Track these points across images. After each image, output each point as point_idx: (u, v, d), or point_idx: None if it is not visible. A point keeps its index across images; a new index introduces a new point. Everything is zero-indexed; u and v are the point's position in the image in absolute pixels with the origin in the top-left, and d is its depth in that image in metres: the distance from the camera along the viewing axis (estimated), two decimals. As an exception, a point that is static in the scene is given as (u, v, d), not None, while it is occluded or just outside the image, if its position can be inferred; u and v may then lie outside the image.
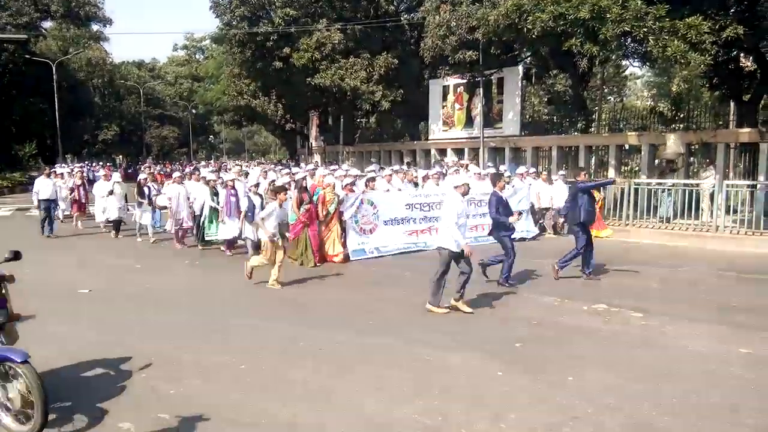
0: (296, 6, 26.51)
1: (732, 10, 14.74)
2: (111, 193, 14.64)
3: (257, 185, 11.93)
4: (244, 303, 8.50)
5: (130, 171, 37.79)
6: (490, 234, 9.45)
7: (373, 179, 12.52)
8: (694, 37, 12.93)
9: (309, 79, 26.25)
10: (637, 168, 19.03)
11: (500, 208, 8.98)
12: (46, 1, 36.93)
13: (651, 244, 13.06)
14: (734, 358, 6.01)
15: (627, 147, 19.46)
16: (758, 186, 14.11)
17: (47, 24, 41.37)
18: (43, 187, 14.79)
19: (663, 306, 7.96)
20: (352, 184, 11.81)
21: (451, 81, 24.65)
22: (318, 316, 7.74)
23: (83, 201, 17.02)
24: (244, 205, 11.14)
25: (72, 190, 16.92)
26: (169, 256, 12.23)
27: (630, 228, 14.25)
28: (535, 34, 14.53)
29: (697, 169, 17.09)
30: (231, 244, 12.13)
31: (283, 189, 9.43)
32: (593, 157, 20.79)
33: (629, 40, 14.72)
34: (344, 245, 11.30)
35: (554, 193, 14.60)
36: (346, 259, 11.22)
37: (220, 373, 5.58)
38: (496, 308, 7.95)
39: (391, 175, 13.77)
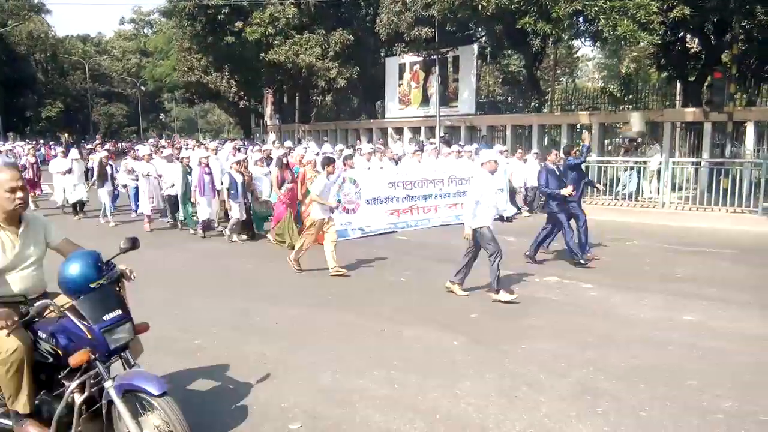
0: (249, -22, 25.80)
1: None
2: (69, 171, 13.90)
3: (240, 162, 11.39)
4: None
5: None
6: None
7: (350, 157, 12.10)
8: (643, 16, 13.20)
9: (263, 54, 25.67)
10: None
11: (550, 180, 8.88)
12: (-20, -32, 34.88)
13: (600, 220, 13.43)
14: (678, 325, 6.26)
15: (579, 126, 19.86)
16: (702, 163, 14.65)
17: (-18, -6, 39.16)
18: None
19: (611, 278, 8.21)
20: (346, 160, 11.38)
21: (408, 59, 24.56)
22: (272, 291, 7.66)
23: (36, 180, 16.24)
24: (224, 182, 10.93)
25: (24, 168, 15.80)
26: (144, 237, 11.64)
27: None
28: (490, 11, 14.60)
29: (644, 148, 17.61)
30: (206, 225, 11.67)
31: (331, 161, 8.82)
32: (546, 137, 21.18)
33: (581, 19, 14.92)
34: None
35: (528, 171, 14.56)
36: None
37: (173, 347, 5.47)
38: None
39: (370, 153, 13.53)
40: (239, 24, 25.58)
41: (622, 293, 7.42)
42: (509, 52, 26.94)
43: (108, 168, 13.34)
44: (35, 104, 46.51)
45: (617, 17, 13.39)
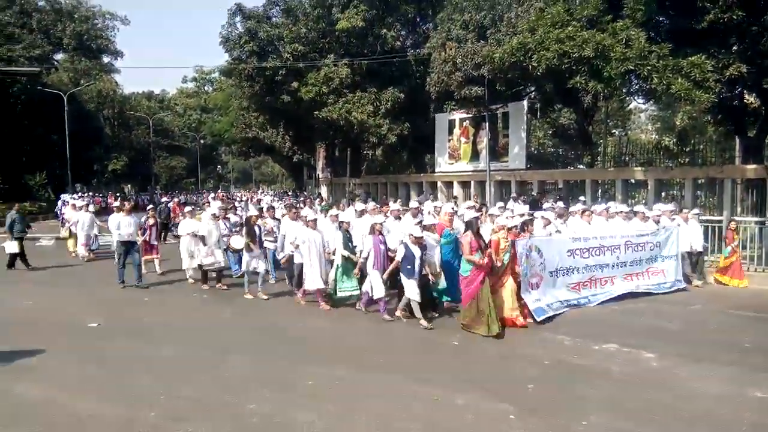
0: (304, 42, 27.00)
1: (735, 49, 14.92)
2: (196, 235, 12.00)
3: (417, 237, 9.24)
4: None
5: (140, 200, 38.03)
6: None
7: (531, 221, 10.39)
8: (697, 75, 13.08)
9: (316, 112, 26.58)
10: (644, 202, 19.06)
11: None
12: (58, 34, 37.74)
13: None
14: (748, 403, 5.96)
15: (633, 181, 19.51)
16: (767, 222, 14.09)
17: (59, 56, 42.21)
18: (124, 225, 12.16)
19: (674, 345, 7.90)
20: (526, 225, 9.87)
21: (457, 115, 24.89)
22: (319, 354, 7.70)
23: (155, 243, 14.30)
24: (399, 254, 9.15)
25: (143, 230, 13.71)
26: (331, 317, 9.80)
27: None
28: (540, 71, 14.73)
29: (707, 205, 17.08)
30: (369, 301, 9.85)
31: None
32: (599, 191, 20.85)
33: (633, 77, 14.89)
34: (523, 303, 9.24)
35: (692, 234, 12.64)
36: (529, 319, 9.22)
37: (221, 413, 5.56)
38: (508, 346, 7.91)
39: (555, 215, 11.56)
40: (295, 84, 26.67)
41: (687, 364, 7.13)
42: (559, 106, 26.96)
43: (256, 228, 11.34)
44: (102, 157, 49.21)
45: (671, 76, 13.32)
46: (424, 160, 31.09)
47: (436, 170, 26.76)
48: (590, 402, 5.99)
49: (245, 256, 10.95)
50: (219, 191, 38.38)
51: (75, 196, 24.46)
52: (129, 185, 63.11)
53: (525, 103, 22.50)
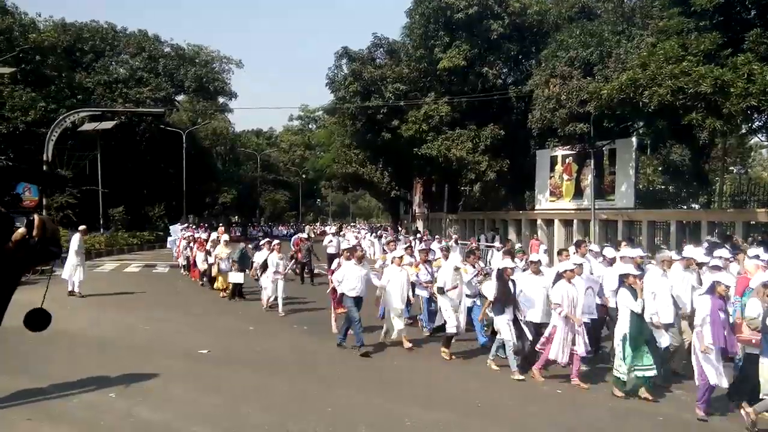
0: (406, 81, 27.69)
1: None
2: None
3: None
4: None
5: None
6: None
7: None
8: (831, 110, 12.04)
9: (416, 149, 26.99)
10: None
11: None
12: (180, 77, 41.09)
13: None
14: None
15: (753, 222, 18.01)
16: None
17: (180, 97, 45.93)
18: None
19: None
20: None
21: (560, 152, 24.31)
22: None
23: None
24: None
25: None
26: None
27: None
28: (652, 108, 14.16)
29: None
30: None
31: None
32: (715, 233, 19.41)
33: (756, 113, 13.94)
34: None
35: None
36: None
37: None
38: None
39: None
40: (396, 122, 27.34)
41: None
42: (671, 142, 25.66)
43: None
44: (214, 190, 52.55)
45: (800, 112, 12.34)
46: (522, 197, 30.53)
47: (536, 207, 26.18)
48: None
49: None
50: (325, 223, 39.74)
51: (180, 226, 25.89)
52: (236, 216, 66.72)
53: (634, 139, 21.63)
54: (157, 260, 25.15)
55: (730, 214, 18.71)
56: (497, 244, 19.30)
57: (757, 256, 8.57)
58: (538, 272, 8.85)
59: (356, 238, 26.59)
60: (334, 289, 10.29)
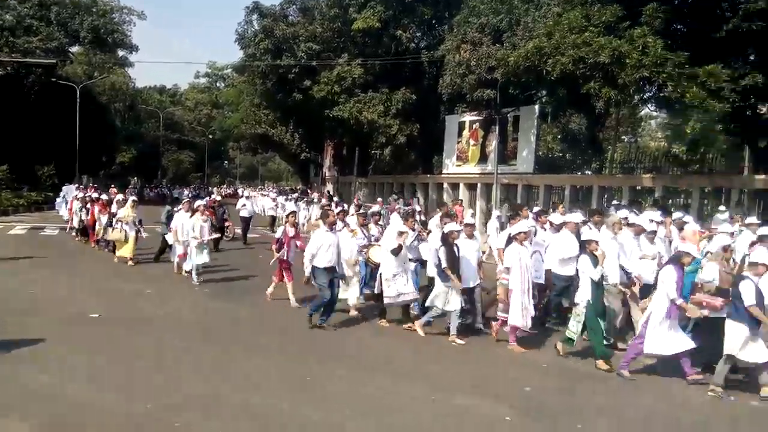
0: (319, 41, 27.16)
1: (751, 59, 14.93)
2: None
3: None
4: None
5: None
6: None
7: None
8: (712, 84, 13.11)
9: (327, 111, 26.72)
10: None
11: None
12: (75, 27, 37.87)
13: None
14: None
15: (639, 188, 19.51)
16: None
17: (75, 49, 42.41)
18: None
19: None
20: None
21: (468, 117, 24.95)
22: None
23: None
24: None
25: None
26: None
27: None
28: (554, 76, 14.77)
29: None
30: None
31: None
32: (605, 197, 20.86)
33: (648, 85, 14.91)
34: None
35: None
36: None
37: (223, 408, 5.58)
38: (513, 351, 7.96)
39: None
40: (308, 82, 26.85)
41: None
42: (570, 111, 27.00)
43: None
44: (111, 149, 49.44)
45: (686, 84, 13.35)
46: (432, 162, 31.20)
47: (444, 172, 26.86)
48: (589, 407, 6.07)
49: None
50: (223, 186, 38.50)
51: (74, 186, 24.24)
52: (135, 177, 63.37)
53: (536, 107, 22.54)
54: (46, 222, 23.53)
55: (618, 179, 20.13)
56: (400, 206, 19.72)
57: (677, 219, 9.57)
58: (471, 236, 8.80)
59: (273, 201, 26.17)
60: (281, 260, 9.77)
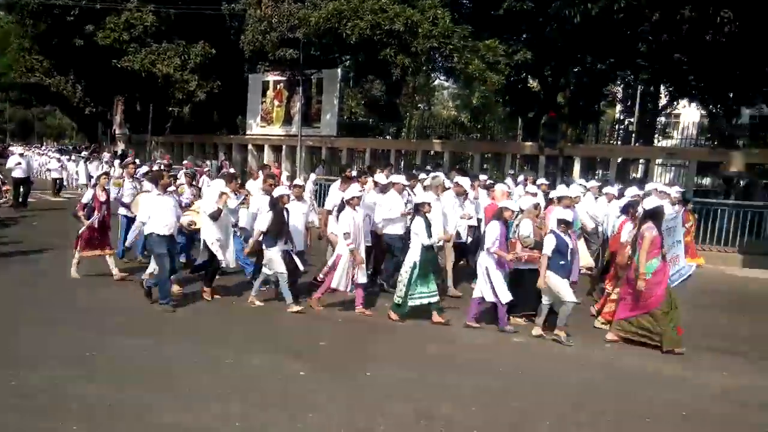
0: (103, -21, 24.14)
1: (524, 37, 16.68)
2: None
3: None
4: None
5: None
6: None
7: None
8: (491, 58, 14.39)
9: (115, 61, 24.06)
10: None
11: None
12: None
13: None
14: (511, 350, 6.84)
15: (433, 153, 21.01)
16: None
17: None
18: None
19: (450, 304, 8.69)
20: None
21: (271, 77, 24.40)
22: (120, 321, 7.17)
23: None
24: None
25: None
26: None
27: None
28: (354, 40, 15.00)
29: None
30: None
31: None
32: (402, 161, 22.12)
33: (438, 55, 15.86)
34: None
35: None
36: None
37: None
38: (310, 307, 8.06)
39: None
40: (90, 27, 23.81)
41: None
42: (372, 77, 27.83)
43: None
44: None
45: (469, 56, 14.46)
46: (236, 122, 30.07)
47: (248, 132, 26.11)
48: (378, 355, 6.43)
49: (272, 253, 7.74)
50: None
51: None
52: None
53: (339, 71, 22.80)
54: None
55: (413, 144, 21.43)
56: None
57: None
58: (300, 197, 8.56)
59: (58, 161, 23.12)
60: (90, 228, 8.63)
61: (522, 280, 7.46)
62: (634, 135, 22.96)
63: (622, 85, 24.83)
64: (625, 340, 7.03)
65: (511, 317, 7.48)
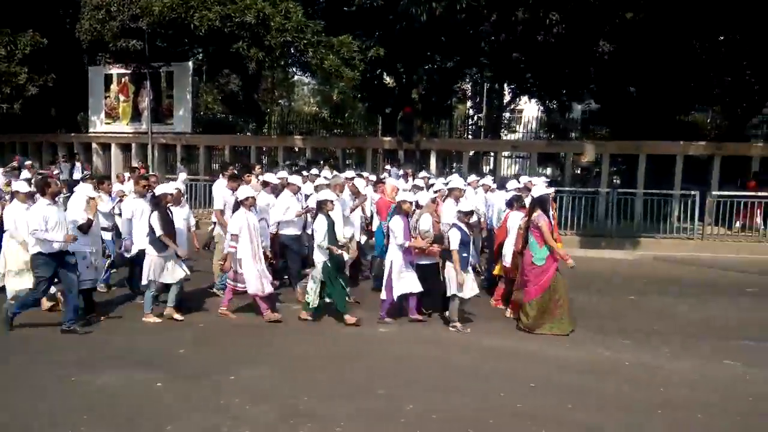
0: None
1: (377, 33, 17.01)
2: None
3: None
4: None
5: None
6: None
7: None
8: (346, 54, 14.54)
9: None
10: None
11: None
12: None
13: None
14: (377, 336, 7.01)
15: (296, 149, 20.83)
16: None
17: None
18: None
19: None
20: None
21: (115, 70, 22.65)
22: None
23: None
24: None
25: None
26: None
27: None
28: (203, 32, 14.39)
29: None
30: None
31: None
32: (265, 158, 21.69)
33: (292, 49, 15.68)
34: None
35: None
36: None
37: None
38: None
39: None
40: None
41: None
42: (227, 71, 26.91)
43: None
44: None
45: (324, 52, 14.49)
46: (76, 119, 27.57)
47: (91, 130, 24.07)
48: (241, 356, 6.27)
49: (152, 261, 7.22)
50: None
51: None
52: None
53: (190, 64, 21.77)
54: None
55: (274, 140, 21.08)
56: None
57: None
58: (179, 201, 8.03)
59: None
60: None
61: (423, 276, 7.49)
62: (483, 129, 24.49)
63: (470, 83, 26.36)
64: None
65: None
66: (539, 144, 20.07)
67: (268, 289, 7.44)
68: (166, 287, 7.40)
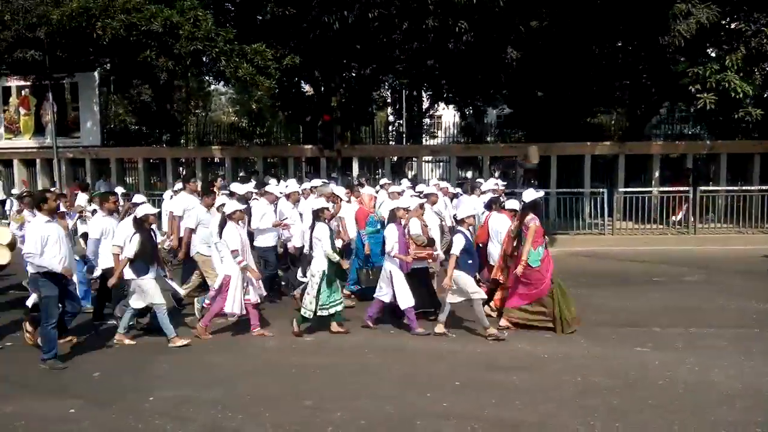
0: None
1: (292, 42, 16.84)
2: None
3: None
4: None
5: None
6: None
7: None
8: (260, 62, 14.30)
9: None
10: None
11: None
12: None
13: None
14: (303, 347, 6.91)
15: (217, 160, 20.30)
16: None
17: None
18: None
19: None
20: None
21: (14, 82, 21.26)
22: None
23: None
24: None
25: None
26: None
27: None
28: (106, 41, 13.76)
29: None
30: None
31: None
32: (182, 169, 20.98)
33: (204, 58, 15.28)
34: None
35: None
36: None
37: None
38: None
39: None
40: None
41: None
42: (138, 81, 25.88)
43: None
44: None
45: (238, 60, 14.19)
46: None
47: (-9, 145, 22.45)
48: (158, 378, 6.00)
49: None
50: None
51: None
52: None
53: (96, 74, 20.77)
54: None
55: (191, 151, 20.47)
56: None
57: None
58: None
59: None
60: None
61: (412, 279, 7.43)
62: (404, 135, 24.82)
63: (389, 90, 26.66)
64: (518, 325, 7.36)
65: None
66: (458, 148, 20.55)
67: (242, 310, 7.21)
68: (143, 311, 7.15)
